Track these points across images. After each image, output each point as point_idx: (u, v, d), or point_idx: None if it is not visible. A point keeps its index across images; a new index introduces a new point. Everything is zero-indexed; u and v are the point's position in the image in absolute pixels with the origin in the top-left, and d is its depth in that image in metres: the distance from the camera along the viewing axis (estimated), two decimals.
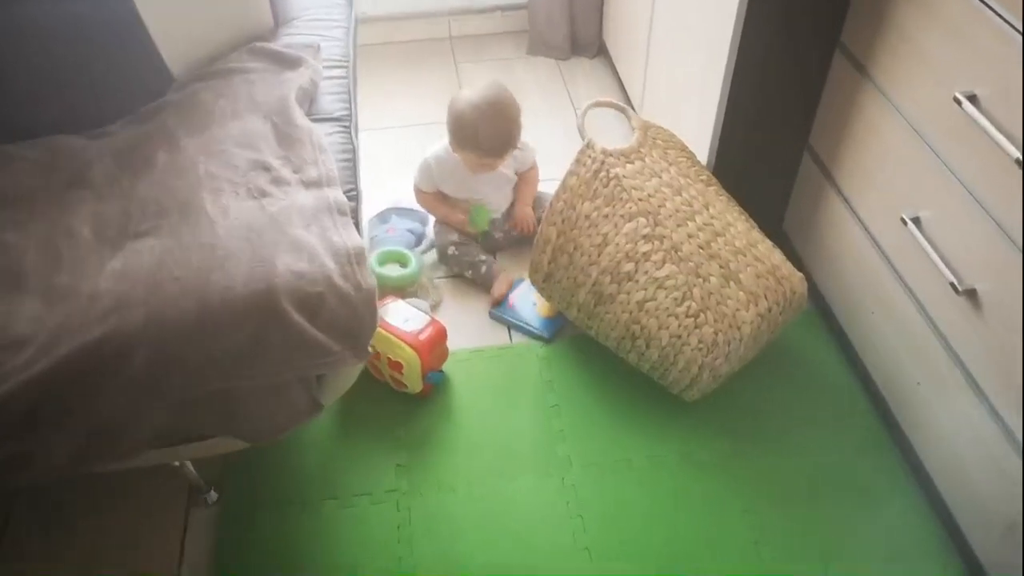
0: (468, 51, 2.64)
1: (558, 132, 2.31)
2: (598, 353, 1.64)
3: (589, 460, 1.49)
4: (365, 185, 2.05)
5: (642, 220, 1.45)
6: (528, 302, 1.76)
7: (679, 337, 1.42)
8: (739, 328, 1.40)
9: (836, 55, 1.55)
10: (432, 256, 1.90)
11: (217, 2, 1.52)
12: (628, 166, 1.49)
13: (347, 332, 1.14)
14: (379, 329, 1.53)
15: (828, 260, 1.67)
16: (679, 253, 1.42)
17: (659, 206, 1.46)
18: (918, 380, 1.41)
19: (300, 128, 1.33)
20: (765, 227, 1.75)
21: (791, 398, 1.57)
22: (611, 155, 1.49)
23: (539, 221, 1.87)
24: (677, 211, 1.46)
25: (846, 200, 1.56)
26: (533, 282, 1.62)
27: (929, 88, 1.28)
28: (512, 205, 1.91)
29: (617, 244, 1.46)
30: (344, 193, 1.30)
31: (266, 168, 1.27)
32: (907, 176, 1.36)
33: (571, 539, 1.38)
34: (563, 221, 1.51)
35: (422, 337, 1.53)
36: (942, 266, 1.26)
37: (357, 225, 1.27)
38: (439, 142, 1.84)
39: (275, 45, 1.53)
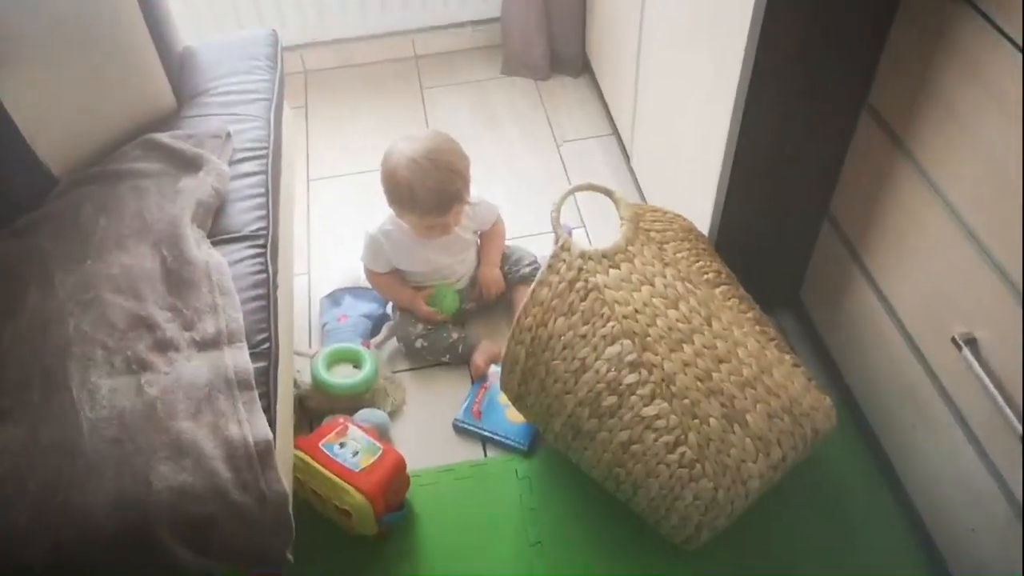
0: (436, 72, 2.34)
1: (535, 165, 2.04)
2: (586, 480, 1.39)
3: None
4: (319, 250, 1.80)
5: (627, 343, 1.18)
6: (499, 405, 1.51)
7: (671, 490, 1.17)
8: (744, 483, 1.15)
9: (864, 116, 1.27)
10: (393, 345, 1.65)
11: (104, 81, 1.24)
12: (612, 272, 1.22)
13: (251, 554, 0.90)
14: (319, 467, 1.29)
15: (854, 349, 1.41)
16: (672, 387, 1.16)
17: (648, 325, 1.19)
18: (972, 527, 1.16)
19: (195, 265, 1.07)
20: (779, 296, 1.48)
21: (817, 531, 1.32)
22: (591, 258, 1.22)
23: (506, 277, 1.66)
24: (671, 330, 1.19)
25: (878, 290, 1.29)
26: (504, 394, 1.37)
27: (987, 182, 1.01)
28: (477, 269, 1.66)
29: (597, 371, 1.20)
30: (254, 349, 1.04)
31: (150, 327, 1.01)
32: (957, 281, 1.10)
33: None
34: (532, 341, 1.25)
35: (374, 477, 1.29)
36: (1008, 412, 1.01)
37: (269, 397, 1.01)
38: (384, 212, 1.57)
39: (172, 138, 1.25)
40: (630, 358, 1.18)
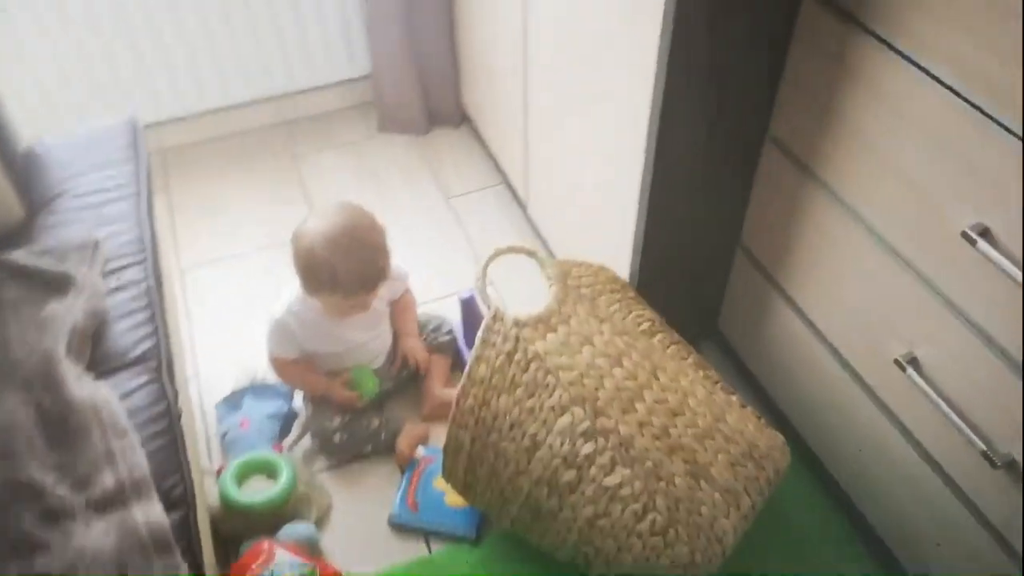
0: (309, 137, 2.21)
1: (427, 223, 1.95)
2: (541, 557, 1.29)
3: None
4: (204, 349, 1.62)
5: (577, 411, 1.11)
6: (435, 492, 1.39)
7: (646, 560, 1.10)
8: (720, 541, 1.09)
9: (768, 146, 1.26)
10: (307, 443, 1.50)
11: None
12: (550, 336, 1.14)
13: None
14: None
15: (784, 376, 1.40)
16: (631, 451, 1.09)
17: (596, 388, 1.12)
18: (937, 541, 1.15)
19: (78, 408, 0.90)
20: (698, 328, 1.46)
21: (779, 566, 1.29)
22: (526, 325, 1.14)
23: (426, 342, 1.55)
24: (620, 390, 1.13)
25: (803, 315, 1.29)
26: (449, 484, 1.25)
27: (901, 198, 1.01)
28: (394, 343, 1.55)
29: (551, 447, 1.11)
30: (166, 496, 0.88)
31: (33, 495, 0.83)
32: (887, 301, 1.09)
33: None
34: (476, 423, 1.15)
35: None
36: (963, 427, 1.00)
37: (194, 552, 0.86)
38: (285, 291, 1.43)
39: (28, 256, 1.07)
40: (583, 427, 1.10)
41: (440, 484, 1.38)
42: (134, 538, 0.81)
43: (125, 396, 0.95)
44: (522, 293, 1.69)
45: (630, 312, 1.24)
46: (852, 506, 1.31)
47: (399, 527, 1.37)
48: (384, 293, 1.47)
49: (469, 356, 1.57)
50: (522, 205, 1.90)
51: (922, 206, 0.99)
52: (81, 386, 0.93)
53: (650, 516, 1.09)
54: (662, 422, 1.12)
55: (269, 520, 1.33)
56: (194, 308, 1.77)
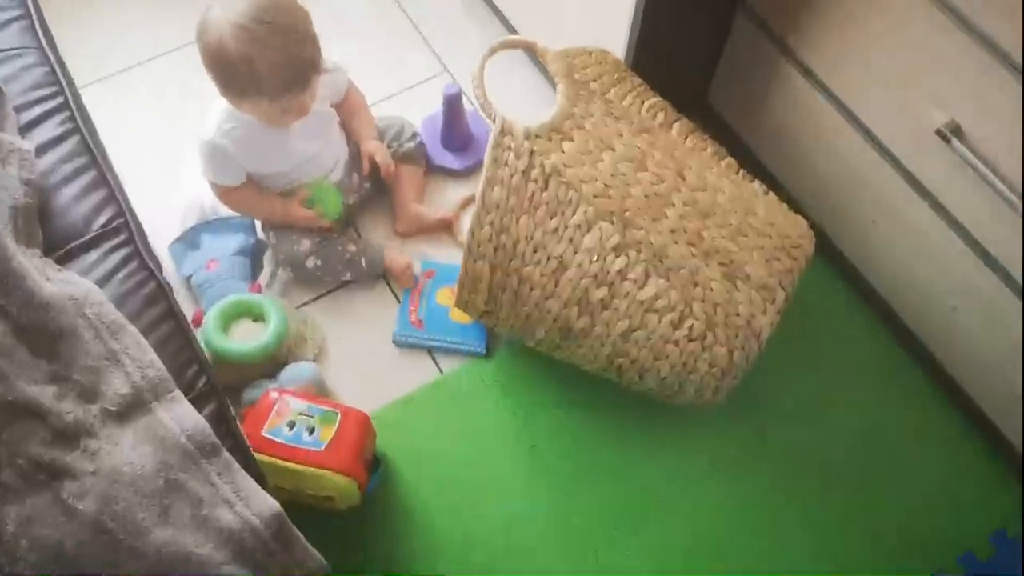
0: None
1: (366, 12, 1.67)
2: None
3: (606, 510, 1.19)
4: (135, 185, 1.33)
5: (605, 226, 1.01)
6: (440, 308, 1.32)
7: (684, 365, 1.07)
8: (757, 336, 1.07)
9: None
10: (284, 277, 1.37)
11: None
12: (567, 146, 1.01)
13: None
14: (281, 463, 1.07)
15: (790, 151, 1.33)
16: (665, 261, 1.02)
17: (623, 198, 1.02)
18: (953, 304, 1.17)
19: (56, 306, 0.74)
20: (685, 102, 1.35)
21: (797, 354, 1.30)
22: (539, 136, 1.00)
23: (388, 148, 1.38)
24: (648, 197, 1.03)
25: (821, 85, 1.18)
26: (466, 313, 1.17)
27: None
28: (352, 150, 1.38)
29: (579, 266, 1.03)
30: (191, 392, 0.76)
31: (35, 414, 0.70)
32: (933, 65, 1.00)
33: None
34: (495, 251, 1.04)
35: (345, 452, 1.09)
36: (1007, 192, 0.97)
37: (241, 449, 0.76)
38: (215, 107, 1.22)
39: None
40: (613, 242, 1.02)
41: (444, 299, 1.31)
42: (172, 446, 0.71)
43: (102, 281, 0.79)
44: (509, 94, 1.51)
45: (643, 103, 1.11)
46: (860, 277, 1.32)
47: (404, 346, 1.31)
48: (325, 93, 1.26)
49: (452, 162, 1.45)
50: None
51: None
52: (49, 279, 0.76)
53: (687, 323, 1.05)
54: (695, 226, 1.04)
55: (265, 365, 1.24)
56: (105, 137, 1.51)
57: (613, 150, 1.03)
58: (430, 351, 1.31)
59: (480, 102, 1.01)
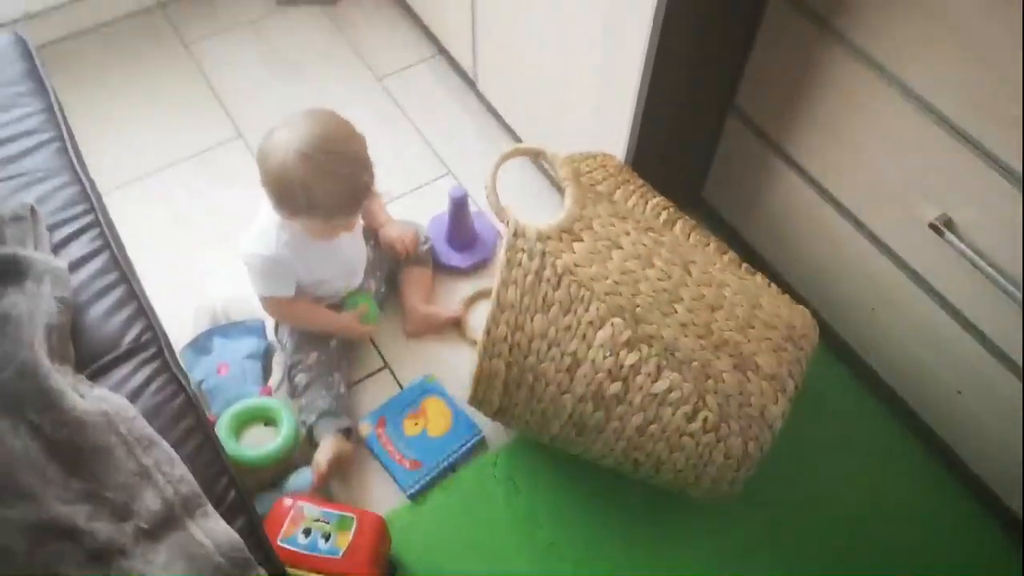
0: (194, 20, 1.90)
1: (362, 110, 1.74)
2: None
3: None
4: (150, 288, 1.43)
5: (617, 322, 1.04)
6: (415, 439, 1.29)
7: (700, 457, 1.08)
8: (771, 427, 1.08)
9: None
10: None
11: None
12: (577, 246, 1.05)
13: None
14: (294, 570, 1.06)
15: (785, 243, 1.37)
16: (676, 355, 1.05)
17: (633, 295, 1.05)
18: (958, 388, 1.20)
19: (89, 423, 0.75)
20: (682, 199, 1.40)
21: (803, 440, 1.31)
22: (550, 238, 1.04)
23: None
24: (656, 293, 1.06)
25: (813, 181, 1.24)
26: (481, 411, 1.18)
27: (948, 52, 0.95)
28: (372, 235, 1.42)
29: (593, 362, 1.05)
30: (221, 505, 0.76)
31: (66, 534, 0.70)
32: (922, 164, 1.06)
33: None
34: (511, 349, 1.06)
35: (362, 556, 1.08)
36: (1004, 282, 1.01)
37: (268, 556, 0.76)
38: (262, 215, 1.25)
39: None
40: (625, 337, 1.04)
41: (411, 429, 1.30)
42: (205, 564, 0.70)
43: (133, 396, 0.80)
44: (511, 195, 1.57)
45: (647, 203, 1.16)
46: (862, 362, 1.34)
47: (422, 491, 1.27)
48: None
49: (459, 261, 1.48)
50: (470, 79, 1.72)
51: (973, 64, 0.94)
52: (83, 395, 0.77)
53: (701, 415, 1.06)
54: (704, 319, 1.07)
55: (276, 469, 1.24)
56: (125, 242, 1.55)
57: (621, 248, 1.07)
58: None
59: (493, 207, 1.05)
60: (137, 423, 0.76)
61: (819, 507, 1.27)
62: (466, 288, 1.49)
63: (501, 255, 1.03)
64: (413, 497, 1.26)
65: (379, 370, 1.40)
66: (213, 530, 0.73)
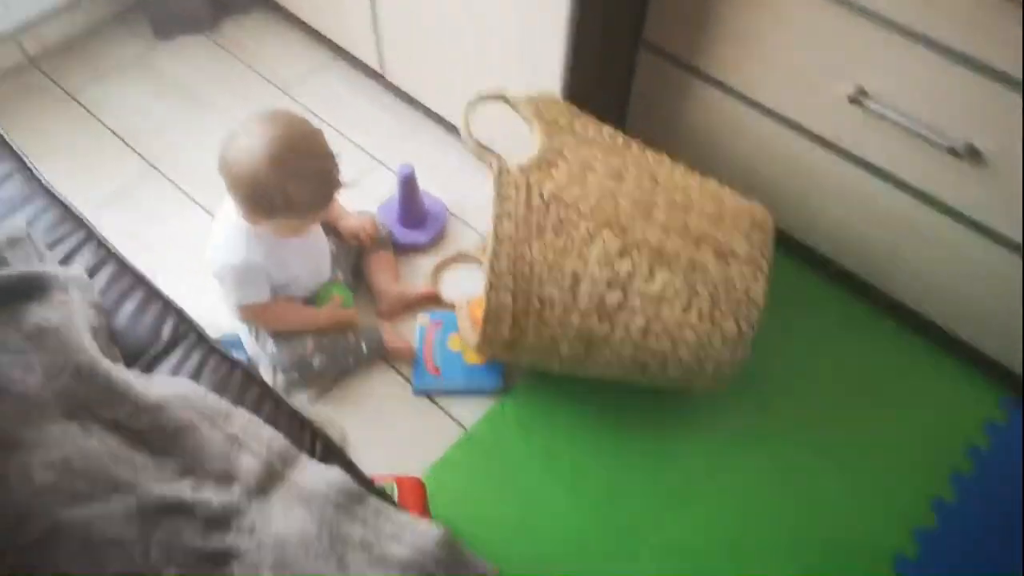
0: (72, 68, 1.83)
1: None
2: (575, 380, 1.33)
3: (650, 499, 1.25)
4: None
5: (607, 234, 1.11)
6: (453, 353, 1.37)
7: (700, 346, 1.17)
8: (756, 305, 1.19)
9: None
10: (282, 384, 1.36)
11: None
12: (555, 173, 1.12)
13: None
14: None
15: (712, 152, 1.49)
16: (664, 255, 1.13)
17: (615, 207, 1.13)
18: (895, 244, 1.34)
19: (166, 407, 0.74)
20: None
21: (771, 329, 1.43)
22: (532, 171, 1.10)
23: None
24: (635, 204, 1.15)
25: (730, 89, 1.36)
26: (485, 354, 1.23)
27: None
28: (332, 229, 1.43)
29: (592, 276, 1.12)
30: (309, 453, 0.77)
31: (177, 511, 0.70)
32: (826, 44, 1.19)
33: None
34: (515, 280, 1.11)
35: None
36: (928, 133, 1.15)
37: (375, 488, 0.77)
38: (222, 227, 1.24)
39: None
40: (616, 247, 1.12)
41: (455, 344, 1.38)
42: (322, 503, 0.71)
43: (193, 379, 0.79)
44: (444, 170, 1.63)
45: (602, 130, 1.24)
46: (803, 245, 1.48)
47: (425, 393, 1.35)
48: None
49: (417, 237, 1.52)
50: (376, 74, 1.75)
51: None
52: (148, 384, 0.76)
53: (696, 305, 1.15)
54: (680, 220, 1.17)
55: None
56: None
57: (594, 170, 1.15)
58: (449, 414, 1.34)
59: (475, 152, 1.10)
60: (210, 399, 0.76)
61: (799, 383, 1.39)
62: (427, 263, 1.52)
63: (491, 192, 1.08)
64: (418, 392, 1.35)
65: None
66: (316, 474, 0.74)
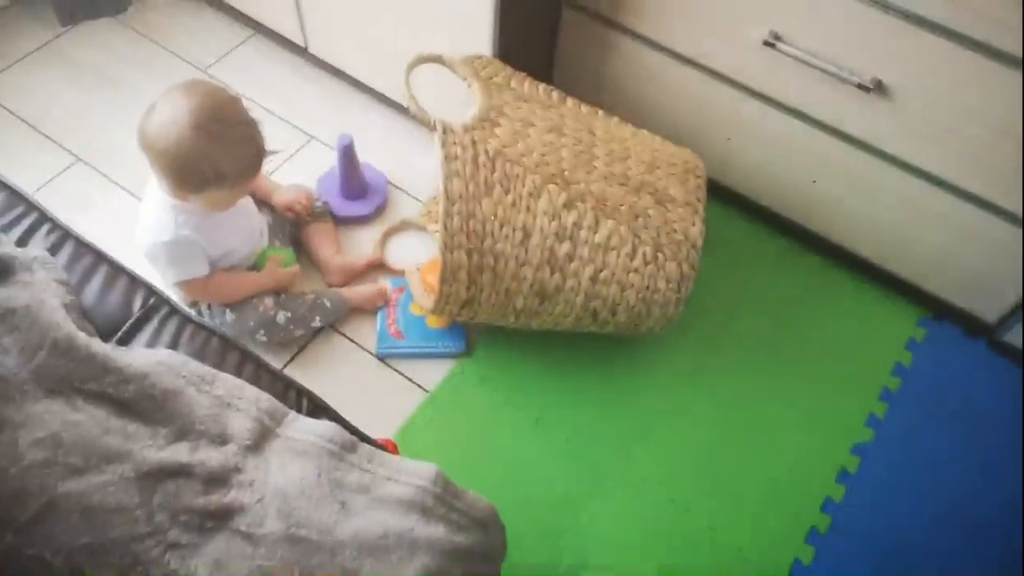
0: None
1: None
2: (530, 335, 1.38)
3: (614, 437, 1.31)
4: None
5: (552, 188, 1.16)
6: (416, 317, 1.40)
7: (647, 288, 1.23)
8: (695, 246, 1.26)
9: None
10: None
11: None
12: (498, 131, 1.15)
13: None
14: None
15: (637, 104, 1.55)
16: (607, 204, 1.19)
17: (558, 161, 1.17)
18: (813, 179, 1.44)
19: (151, 374, 0.74)
20: None
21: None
22: (475, 128, 1.13)
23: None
24: (576, 156, 1.19)
25: (652, 42, 1.41)
26: (443, 314, 1.25)
27: None
28: (266, 204, 1.43)
29: (541, 229, 1.17)
30: (293, 404, 0.80)
31: (175, 473, 0.71)
32: None
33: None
34: (468, 237, 1.14)
35: None
36: (838, 71, 1.23)
37: (365, 437, 0.80)
38: (148, 206, 1.23)
39: None
40: (561, 199, 1.17)
41: (417, 309, 1.40)
42: (317, 453, 0.74)
43: (170, 348, 0.80)
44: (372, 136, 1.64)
45: (538, 87, 1.28)
46: (727, 190, 1.56)
47: (389, 356, 1.37)
48: None
49: (359, 209, 1.52)
50: (298, 47, 1.74)
51: None
52: (130, 355, 0.76)
53: (640, 251, 1.21)
54: (619, 169, 1.22)
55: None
56: None
57: (535, 125, 1.19)
58: (404, 364, 1.37)
59: (417, 113, 1.12)
60: (192, 364, 0.77)
61: (734, 325, 1.47)
62: (367, 234, 1.53)
63: (438, 152, 1.11)
64: (381, 355, 1.38)
65: (321, 329, 1.42)
66: (307, 426, 0.76)
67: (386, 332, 1.38)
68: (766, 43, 1.27)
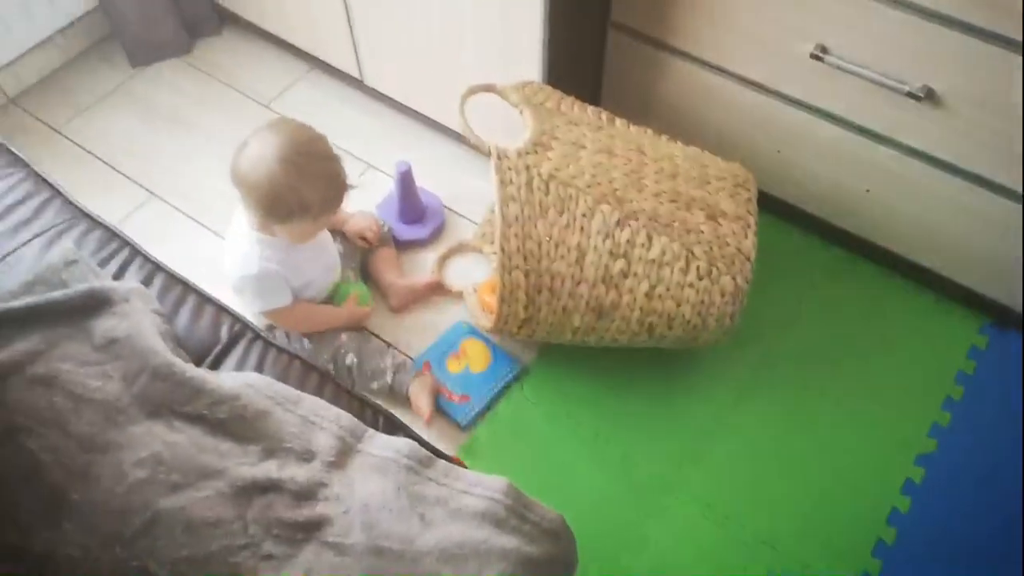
0: (52, 104, 1.87)
1: None
2: (586, 351, 1.41)
3: (671, 452, 1.33)
4: None
5: (605, 207, 1.19)
6: (459, 375, 1.41)
7: (702, 302, 1.25)
8: (749, 259, 1.28)
9: None
10: None
11: None
12: (550, 154, 1.19)
13: None
14: None
15: (687, 122, 1.58)
16: (660, 221, 1.22)
17: (609, 181, 1.21)
18: (866, 188, 1.44)
19: (239, 397, 0.80)
20: None
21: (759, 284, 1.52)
22: (528, 154, 1.17)
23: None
24: (627, 176, 1.23)
25: (700, 61, 1.44)
26: (502, 333, 1.30)
27: None
28: (335, 233, 1.48)
29: (596, 248, 1.20)
30: (370, 422, 0.84)
31: (264, 489, 0.76)
32: (783, 7, 1.28)
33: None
34: (525, 259, 1.19)
35: None
36: (891, 82, 1.24)
37: (440, 453, 0.84)
38: (234, 242, 1.30)
39: (21, 299, 0.87)
40: (615, 218, 1.20)
41: (454, 366, 1.42)
42: (396, 469, 0.78)
43: (257, 372, 0.86)
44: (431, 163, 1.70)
45: (587, 110, 1.32)
46: (780, 201, 1.58)
47: (475, 422, 1.38)
48: None
49: (418, 232, 1.58)
50: (355, 80, 1.81)
51: None
52: (221, 378, 0.82)
53: (694, 265, 1.24)
54: (670, 186, 1.25)
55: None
56: None
57: (585, 148, 1.23)
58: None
59: (472, 139, 1.17)
60: (277, 386, 0.83)
61: (791, 337, 1.48)
62: (428, 256, 1.59)
63: (493, 178, 1.16)
64: (467, 427, 1.36)
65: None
66: (386, 443, 0.81)
67: (454, 406, 1.38)
68: (813, 56, 1.28)
